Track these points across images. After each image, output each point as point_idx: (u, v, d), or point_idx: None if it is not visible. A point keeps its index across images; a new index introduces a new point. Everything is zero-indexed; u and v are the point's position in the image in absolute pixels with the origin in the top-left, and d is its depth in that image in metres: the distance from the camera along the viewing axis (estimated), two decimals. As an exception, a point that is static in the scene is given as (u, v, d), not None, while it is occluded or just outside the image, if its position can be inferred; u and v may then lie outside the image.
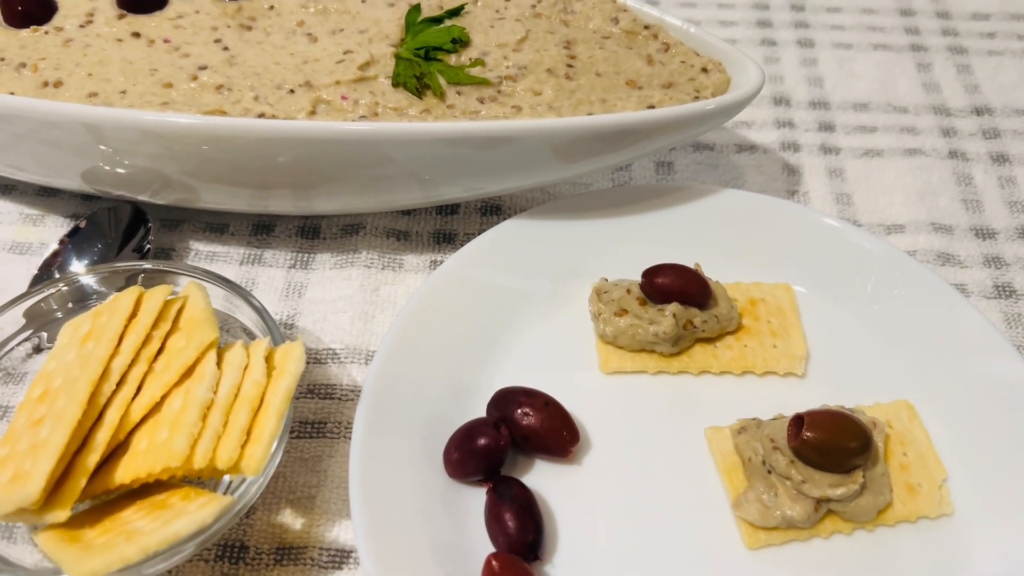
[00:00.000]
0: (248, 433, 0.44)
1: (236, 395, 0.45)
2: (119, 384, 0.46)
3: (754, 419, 0.52)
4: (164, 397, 0.46)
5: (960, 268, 0.64)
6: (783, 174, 0.70)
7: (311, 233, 0.64)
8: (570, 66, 0.58)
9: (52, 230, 0.64)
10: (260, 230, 0.65)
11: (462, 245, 0.64)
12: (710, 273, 0.58)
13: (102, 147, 0.53)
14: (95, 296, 0.54)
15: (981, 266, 0.64)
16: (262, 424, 0.44)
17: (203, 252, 0.63)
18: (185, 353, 0.47)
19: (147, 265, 0.55)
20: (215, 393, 0.45)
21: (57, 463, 0.42)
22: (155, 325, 0.49)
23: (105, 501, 0.47)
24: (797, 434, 0.48)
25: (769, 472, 0.49)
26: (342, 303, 0.60)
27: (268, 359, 0.47)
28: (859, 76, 0.79)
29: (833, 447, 0.48)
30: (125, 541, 0.40)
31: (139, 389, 0.47)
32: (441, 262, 0.63)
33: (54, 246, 0.61)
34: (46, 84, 0.55)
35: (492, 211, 0.67)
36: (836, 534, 0.49)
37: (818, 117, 0.75)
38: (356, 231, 0.64)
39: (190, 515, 0.41)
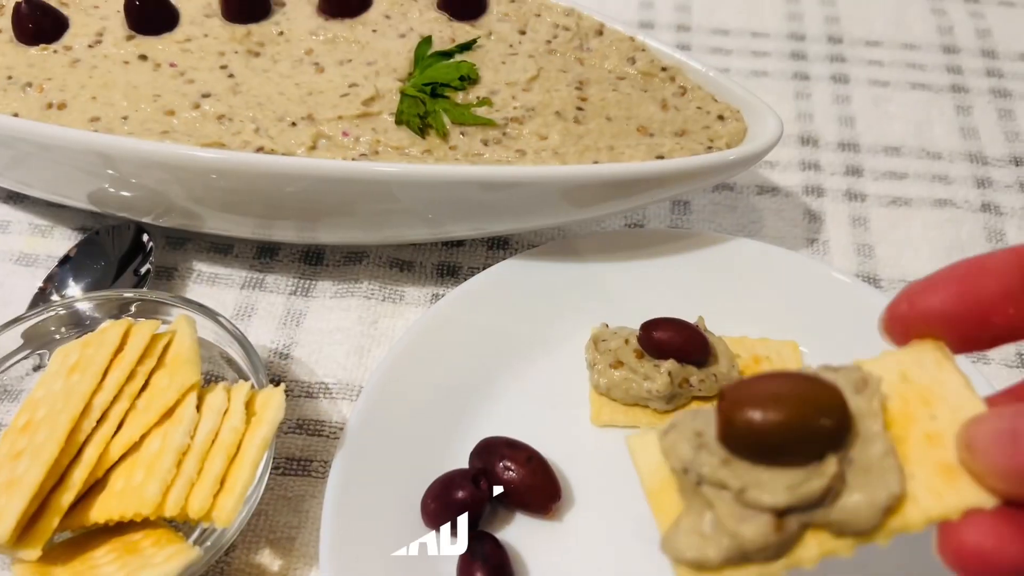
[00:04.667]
0: (222, 482, 0.44)
1: (213, 440, 0.45)
2: (100, 420, 0.46)
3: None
4: (143, 437, 0.46)
5: (981, 332, 0.61)
6: (804, 220, 0.68)
7: (314, 259, 0.64)
8: (580, 109, 0.56)
9: (60, 242, 0.65)
10: (264, 253, 0.64)
11: (466, 279, 0.63)
12: (715, 326, 0.56)
13: (103, 172, 0.53)
14: (89, 321, 0.54)
15: (1005, 332, 0.61)
16: (236, 474, 0.44)
17: (205, 273, 0.63)
18: (166, 394, 0.47)
19: (129, 295, 0.55)
20: (192, 438, 0.45)
21: (30, 503, 0.42)
22: (141, 360, 0.49)
23: (83, 533, 0.47)
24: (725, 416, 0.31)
25: (699, 483, 0.31)
26: (339, 335, 0.60)
27: (249, 403, 0.47)
28: (894, 117, 0.76)
29: (779, 425, 0.29)
30: (86, 591, 0.40)
31: (120, 425, 0.47)
32: (443, 296, 0.62)
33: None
34: (50, 106, 0.54)
35: (499, 245, 0.65)
36: (828, 558, 0.30)
37: (846, 160, 0.72)
38: (359, 259, 0.64)
39: (154, 567, 0.41)
